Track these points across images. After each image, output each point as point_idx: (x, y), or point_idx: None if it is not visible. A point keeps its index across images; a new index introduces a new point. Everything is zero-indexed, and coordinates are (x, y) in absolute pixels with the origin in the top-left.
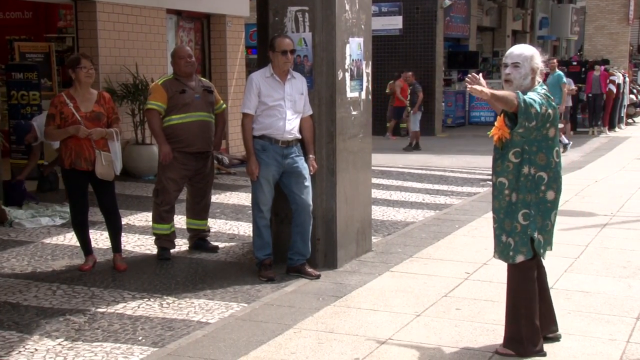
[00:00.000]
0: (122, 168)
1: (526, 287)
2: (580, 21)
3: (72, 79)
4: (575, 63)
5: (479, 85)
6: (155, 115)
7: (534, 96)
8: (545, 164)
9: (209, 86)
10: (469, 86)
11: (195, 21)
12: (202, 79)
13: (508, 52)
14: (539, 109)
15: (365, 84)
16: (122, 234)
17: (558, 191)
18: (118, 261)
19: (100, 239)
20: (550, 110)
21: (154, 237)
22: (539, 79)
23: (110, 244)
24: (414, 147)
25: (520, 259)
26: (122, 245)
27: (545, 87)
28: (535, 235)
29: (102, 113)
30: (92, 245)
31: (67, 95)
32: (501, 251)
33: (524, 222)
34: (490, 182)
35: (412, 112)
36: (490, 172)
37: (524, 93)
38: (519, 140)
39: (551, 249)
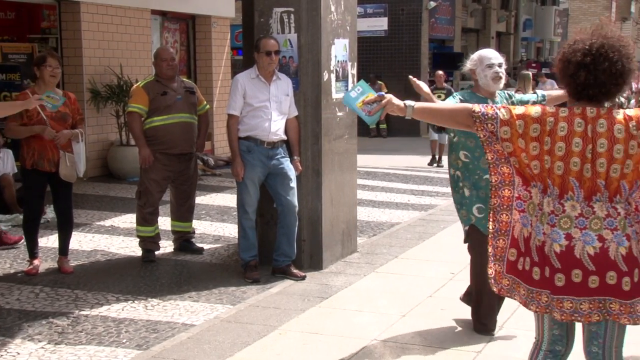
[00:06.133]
0: (85, 170)
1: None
2: (563, 23)
3: (36, 77)
4: None
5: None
6: (136, 118)
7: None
8: (456, 164)
9: (191, 87)
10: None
11: (180, 22)
12: (185, 79)
13: (490, 54)
14: None
15: (350, 85)
16: (107, 235)
17: (474, 187)
18: (64, 264)
19: (84, 240)
20: None
21: (138, 239)
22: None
23: (92, 246)
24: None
25: None
26: (107, 247)
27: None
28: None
29: (67, 114)
30: (76, 247)
31: (32, 93)
32: None
33: None
34: None
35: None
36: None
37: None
38: None
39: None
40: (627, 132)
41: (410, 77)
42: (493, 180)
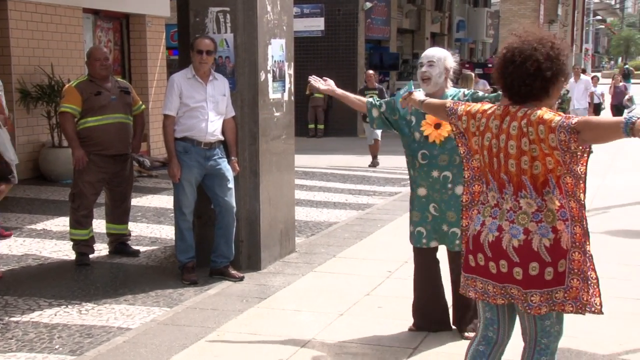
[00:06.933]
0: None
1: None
2: (495, 24)
3: None
4: (490, 65)
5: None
6: (69, 119)
7: None
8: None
9: (126, 87)
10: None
11: (113, 21)
12: (119, 79)
13: (425, 52)
14: None
15: (287, 85)
16: (38, 239)
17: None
18: None
19: (14, 245)
20: None
21: (71, 243)
22: (450, 81)
23: (23, 250)
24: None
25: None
26: (39, 252)
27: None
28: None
29: None
30: (6, 252)
31: None
32: (443, 239)
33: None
34: None
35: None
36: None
37: (440, 92)
38: None
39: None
40: (520, 129)
41: (310, 78)
42: (465, 176)
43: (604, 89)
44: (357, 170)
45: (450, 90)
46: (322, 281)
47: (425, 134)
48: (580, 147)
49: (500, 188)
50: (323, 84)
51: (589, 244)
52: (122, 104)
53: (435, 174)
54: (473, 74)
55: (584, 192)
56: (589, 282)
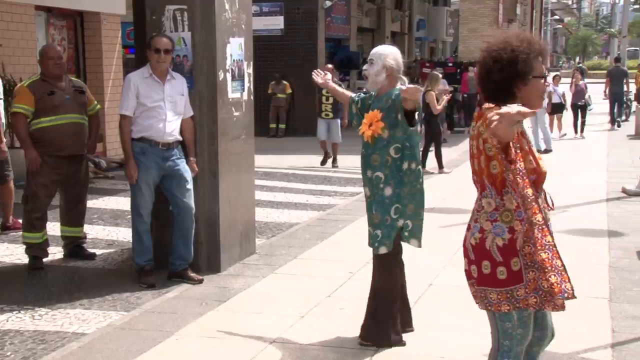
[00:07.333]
0: None
1: (389, 278)
2: (455, 24)
3: None
4: (451, 64)
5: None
6: (22, 119)
7: None
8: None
9: (81, 86)
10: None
11: (67, 19)
12: (73, 78)
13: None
14: None
15: (246, 85)
16: None
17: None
18: None
19: None
20: None
21: (24, 246)
22: (405, 78)
23: None
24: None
25: (383, 250)
26: None
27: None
28: (401, 224)
29: None
30: None
31: None
32: (369, 240)
33: (394, 216)
34: None
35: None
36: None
37: (382, 90)
38: (400, 136)
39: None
40: (477, 129)
41: (313, 72)
42: None
43: (564, 88)
44: (318, 171)
45: (396, 89)
46: (283, 283)
47: (360, 132)
48: (510, 143)
49: (476, 189)
50: (321, 78)
51: (546, 235)
52: (76, 103)
53: (369, 173)
54: (440, 75)
55: (532, 187)
56: (556, 270)
